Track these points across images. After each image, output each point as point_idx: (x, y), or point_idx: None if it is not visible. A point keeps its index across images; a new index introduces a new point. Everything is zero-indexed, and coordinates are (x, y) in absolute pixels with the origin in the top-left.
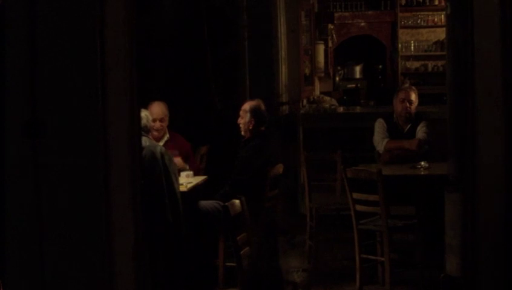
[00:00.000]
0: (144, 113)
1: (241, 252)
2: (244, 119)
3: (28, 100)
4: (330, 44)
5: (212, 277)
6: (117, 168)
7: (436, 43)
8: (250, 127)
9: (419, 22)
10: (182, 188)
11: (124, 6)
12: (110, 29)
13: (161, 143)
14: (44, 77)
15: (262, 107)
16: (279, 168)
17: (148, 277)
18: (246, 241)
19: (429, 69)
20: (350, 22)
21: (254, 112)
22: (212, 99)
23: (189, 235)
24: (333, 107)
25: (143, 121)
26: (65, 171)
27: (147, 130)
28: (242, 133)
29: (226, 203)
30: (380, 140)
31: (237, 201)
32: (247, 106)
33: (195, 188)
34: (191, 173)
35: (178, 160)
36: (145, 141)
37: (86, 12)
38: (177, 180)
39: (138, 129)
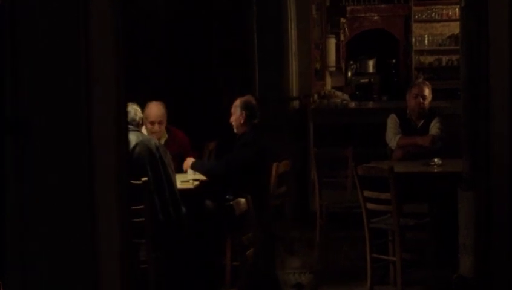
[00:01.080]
0: (131, 107)
1: (247, 253)
2: (235, 115)
3: (11, 97)
4: (342, 38)
5: (218, 276)
6: (102, 167)
7: (450, 37)
8: (242, 121)
9: (433, 15)
10: (188, 186)
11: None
12: (95, 21)
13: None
14: (25, 73)
15: (253, 101)
16: (286, 165)
17: (134, 278)
18: (252, 241)
19: (444, 63)
20: (362, 15)
21: (244, 105)
22: (219, 94)
23: (194, 234)
24: (344, 102)
25: (130, 115)
26: (49, 171)
27: (136, 124)
28: (235, 130)
29: (231, 202)
30: (392, 136)
31: (242, 200)
32: (237, 101)
33: (201, 186)
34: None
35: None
36: (137, 136)
37: (69, 2)
38: (173, 172)
39: (125, 126)
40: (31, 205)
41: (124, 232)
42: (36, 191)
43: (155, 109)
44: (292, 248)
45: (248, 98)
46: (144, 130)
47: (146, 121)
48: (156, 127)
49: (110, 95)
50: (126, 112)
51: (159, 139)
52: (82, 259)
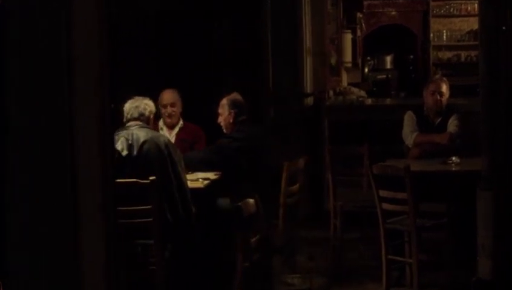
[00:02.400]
0: (141, 102)
1: (255, 257)
2: (223, 115)
3: None
4: (358, 33)
5: (228, 278)
6: (85, 171)
7: (469, 32)
8: (231, 120)
9: (451, 10)
10: (197, 185)
11: None
12: (78, 14)
13: (175, 130)
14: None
15: (240, 97)
16: (299, 163)
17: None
18: (260, 244)
19: (462, 59)
20: (380, 10)
21: (232, 104)
22: (233, 91)
23: (204, 234)
24: (360, 99)
25: (139, 110)
26: (29, 174)
27: (146, 120)
28: (225, 130)
29: (239, 203)
30: (409, 134)
31: (251, 200)
32: (224, 100)
33: (212, 184)
34: None
35: None
36: (146, 132)
37: None
38: (183, 169)
39: (110, 126)
40: (11, 207)
41: (110, 239)
42: (15, 193)
43: (168, 93)
44: (293, 260)
45: (235, 96)
46: (161, 123)
47: (161, 108)
48: (169, 109)
49: (93, 92)
50: (110, 111)
51: (175, 124)
52: (65, 262)
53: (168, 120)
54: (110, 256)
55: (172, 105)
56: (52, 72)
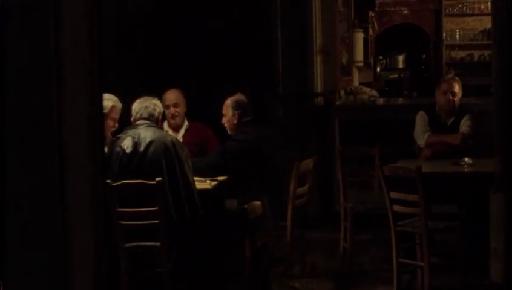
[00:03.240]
0: (150, 102)
1: (262, 260)
2: (227, 116)
3: None
4: (370, 32)
5: (236, 280)
6: (75, 171)
7: (482, 31)
8: (235, 122)
9: (464, 9)
10: (205, 186)
11: None
12: (67, 7)
13: (181, 132)
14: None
15: (244, 99)
16: (309, 164)
17: None
18: (268, 247)
19: (476, 58)
20: (392, 9)
21: (236, 105)
22: (242, 91)
23: (211, 236)
24: (372, 98)
25: (148, 110)
26: (16, 176)
27: (155, 120)
28: (229, 131)
29: (246, 206)
30: (421, 134)
31: (258, 202)
32: (227, 101)
33: (220, 186)
34: None
35: None
36: (154, 132)
37: None
38: (191, 169)
39: (100, 129)
40: None
41: (100, 241)
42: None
43: (171, 94)
44: (291, 270)
45: (239, 96)
46: (166, 126)
47: (164, 109)
48: (172, 109)
49: (84, 90)
50: (101, 110)
51: (179, 125)
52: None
53: (172, 121)
54: (100, 258)
55: (176, 105)
56: (40, 71)
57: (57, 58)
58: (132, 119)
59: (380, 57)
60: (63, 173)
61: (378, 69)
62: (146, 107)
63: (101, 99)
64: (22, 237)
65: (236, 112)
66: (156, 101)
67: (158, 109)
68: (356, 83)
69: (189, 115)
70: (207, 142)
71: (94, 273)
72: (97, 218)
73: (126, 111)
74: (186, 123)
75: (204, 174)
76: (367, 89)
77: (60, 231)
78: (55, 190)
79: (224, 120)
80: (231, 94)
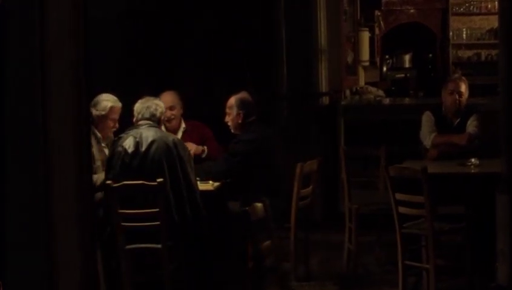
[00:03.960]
0: (152, 102)
1: (264, 263)
2: (231, 115)
3: None
4: (376, 31)
5: (239, 282)
6: (60, 174)
7: (489, 31)
8: (240, 121)
9: (471, 8)
10: (208, 187)
11: None
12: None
13: (178, 134)
14: None
15: (249, 97)
16: (313, 164)
17: None
18: (270, 249)
19: (483, 58)
20: (398, 8)
21: (241, 104)
22: (246, 90)
23: (214, 238)
24: (378, 98)
25: (150, 110)
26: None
27: (157, 120)
28: (233, 130)
29: (247, 208)
30: (427, 134)
31: (259, 204)
32: (232, 100)
33: (223, 187)
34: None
35: (190, 144)
36: (155, 132)
37: None
38: (193, 170)
39: (87, 132)
40: None
41: (86, 249)
42: None
43: (167, 96)
44: (295, 272)
45: (243, 95)
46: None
47: None
48: (168, 113)
49: (71, 95)
50: (87, 112)
51: (176, 128)
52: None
53: (168, 124)
54: (86, 265)
55: (171, 108)
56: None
57: (43, 59)
58: (134, 119)
59: (387, 57)
60: (49, 180)
61: (384, 69)
62: (148, 107)
63: (87, 100)
64: (9, 239)
65: (240, 111)
66: (158, 101)
67: (160, 109)
68: (362, 82)
69: (190, 114)
70: (206, 141)
71: (80, 274)
72: (83, 222)
73: (128, 111)
74: (183, 125)
75: (216, 180)
76: (373, 89)
77: (46, 236)
78: (41, 193)
79: (227, 119)
80: (234, 93)
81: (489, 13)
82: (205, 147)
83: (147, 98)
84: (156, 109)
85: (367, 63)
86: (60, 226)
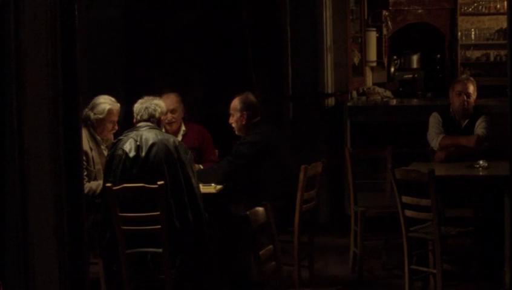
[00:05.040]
0: (151, 103)
1: (265, 269)
2: (235, 116)
3: None
4: (384, 32)
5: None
6: (36, 189)
7: (498, 31)
8: (244, 122)
9: (480, 8)
10: (210, 190)
11: None
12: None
13: (178, 138)
14: None
15: (253, 98)
16: (317, 167)
17: None
18: (272, 255)
19: (492, 58)
20: (406, 8)
21: (245, 105)
22: (250, 90)
23: (217, 242)
24: (385, 99)
25: (149, 111)
26: None
27: (156, 121)
28: (237, 132)
29: (248, 213)
30: (435, 136)
31: (261, 209)
32: (236, 100)
33: (225, 190)
34: None
35: None
36: (156, 134)
37: None
38: (194, 173)
39: (63, 129)
40: None
41: (63, 261)
42: None
43: (168, 99)
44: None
45: (247, 96)
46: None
47: None
48: (169, 116)
49: (46, 99)
50: (62, 119)
51: (176, 131)
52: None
53: (168, 127)
54: (63, 278)
55: (173, 111)
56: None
57: (17, 56)
58: (134, 120)
59: (394, 57)
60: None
61: (392, 69)
62: (147, 108)
63: (64, 110)
64: None
65: (245, 112)
66: (158, 101)
67: (159, 109)
68: (369, 83)
69: (194, 116)
70: (205, 148)
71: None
72: (60, 234)
73: (130, 112)
74: (183, 128)
75: (220, 182)
76: (380, 90)
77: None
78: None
79: (231, 120)
80: (238, 93)
81: (498, 13)
82: (200, 166)
83: (147, 98)
84: (155, 110)
85: (375, 64)
86: (38, 237)
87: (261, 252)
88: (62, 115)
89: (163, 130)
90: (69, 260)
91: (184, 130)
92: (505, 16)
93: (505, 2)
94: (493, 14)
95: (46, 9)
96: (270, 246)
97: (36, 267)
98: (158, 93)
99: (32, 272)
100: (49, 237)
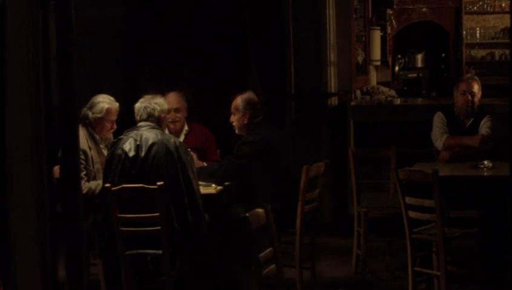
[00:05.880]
0: (150, 102)
1: (264, 272)
2: (236, 115)
3: None
4: (389, 30)
5: None
6: (18, 195)
7: (503, 30)
8: (246, 122)
9: (485, 7)
10: (210, 190)
11: None
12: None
13: (181, 137)
14: None
15: (255, 97)
16: (320, 167)
17: None
18: (271, 258)
19: (497, 57)
20: (410, 7)
21: (247, 104)
22: (252, 89)
23: (217, 244)
24: (389, 99)
25: (148, 110)
26: None
27: (158, 122)
28: (237, 131)
29: (247, 214)
30: (439, 136)
31: (261, 210)
32: (237, 99)
33: (226, 191)
34: None
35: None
36: (156, 134)
37: None
38: (195, 175)
39: (46, 141)
40: None
41: (45, 269)
42: None
43: (172, 97)
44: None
45: (249, 95)
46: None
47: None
48: (173, 114)
49: (26, 88)
50: (45, 124)
51: (179, 130)
52: None
53: (171, 126)
54: (45, 283)
55: (177, 110)
56: None
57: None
58: (135, 119)
59: (399, 56)
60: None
61: (396, 68)
62: (146, 107)
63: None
64: None
65: (247, 111)
66: (158, 100)
67: (158, 108)
68: (373, 82)
69: (195, 115)
70: (208, 148)
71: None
72: (42, 241)
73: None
74: (186, 128)
75: (219, 182)
76: (385, 89)
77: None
78: None
79: (232, 119)
80: (241, 92)
81: (503, 12)
82: (204, 163)
83: (147, 96)
84: (154, 109)
85: (379, 63)
86: (20, 242)
87: (260, 255)
88: (44, 116)
89: (166, 128)
90: (67, 261)
91: (187, 130)
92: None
93: (510, 1)
94: (498, 12)
95: (27, 9)
96: (270, 249)
97: (18, 272)
98: (159, 92)
99: (14, 277)
100: (31, 242)
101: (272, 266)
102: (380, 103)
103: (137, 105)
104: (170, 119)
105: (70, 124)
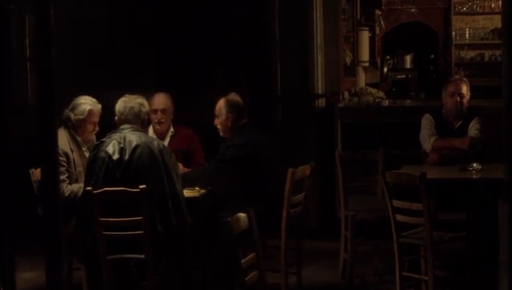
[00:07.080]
0: (135, 102)
1: (247, 278)
2: (220, 118)
3: None
4: (377, 31)
5: None
6: None
7: (493, 31)
8: (229, 124)
9: (474, 8)
10: (194, 194)
11: None
12: None
13: (166, 139)
14: None
15: (239, 99)
16: (306, 170)
17: None
18: (254, 264)
19: (486, 59)
20: (399, 7)
21: (231, 107)
22: (238, 91)
23: (200, 247)
24: (377, 100)
25: (134, 111)
26: None
27: (141, 122)
28: (221, 134)
29: (228, 219)
30: (427, 138)
31: (243, 215)
32: (221, 102)
33: (209, 194)
34: None
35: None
36: (139, 136)
37: None
38: (179, 177)
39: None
40: None
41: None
42: None
43: (159, 98)
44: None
45: (233, 97)
46: (150, 131)
47: (151, 113)
48: (159, 115)
49: None
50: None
51: (165, 132)
52: None
53: (157, 127)
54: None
55: (163, 111)
56: None
57: None
58: (116, 119)
59: (387, 57)
60: None
61: (385, 69)
62: (131, 108)
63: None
64: None
65: (230, 114)
66: (141, 100)
67: (144, 110)
68: (362, 83)
69: (179, 117)
70: (193, 151)
71: None
72: None
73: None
74: (172, 130)
75: (203, 185)
76: (373, 90)
77: None
78: None
79: (217, 122)
80: (225, 94)
81: (492, 12)
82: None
83: (129, 96)
84: (140, 110)
85: (367, 64)
86: None
87: (243, 261)
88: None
89: (151, 129)
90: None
91: (172, 132)
92: (500, 16)
93: (500, 1)
94: (488, 13)
95: None
96: (253, 254)
97: None
98: (143, 93)
99: None
100: None
101: (255, 272)
102: (368, 105)
103: (120, 104)
104: (156, 120)
105: (49, 126)
